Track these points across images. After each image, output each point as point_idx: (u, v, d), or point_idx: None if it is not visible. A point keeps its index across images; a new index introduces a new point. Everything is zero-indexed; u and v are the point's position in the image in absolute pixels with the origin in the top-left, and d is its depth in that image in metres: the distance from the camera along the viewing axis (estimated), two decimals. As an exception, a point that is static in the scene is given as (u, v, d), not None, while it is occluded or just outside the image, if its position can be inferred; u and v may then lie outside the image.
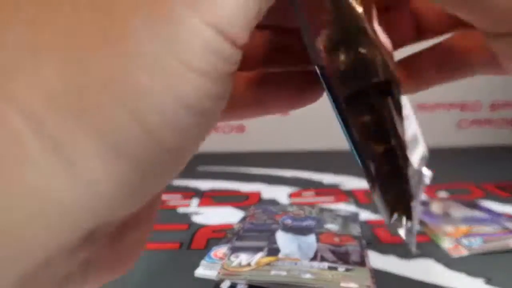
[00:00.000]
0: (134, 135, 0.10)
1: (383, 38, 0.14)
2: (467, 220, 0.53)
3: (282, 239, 0.47)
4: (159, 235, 0.54)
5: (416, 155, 0.15)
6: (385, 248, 0.49)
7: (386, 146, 0.14)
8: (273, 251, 0.44)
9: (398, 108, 0.14)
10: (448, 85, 0.19)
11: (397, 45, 0.18)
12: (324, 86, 0.14)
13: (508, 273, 0.43)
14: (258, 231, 0.50)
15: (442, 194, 0.68)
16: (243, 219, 0.55)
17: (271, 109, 0.18)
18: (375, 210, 0.61)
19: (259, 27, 0.12)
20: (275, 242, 0.46)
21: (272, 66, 0.18)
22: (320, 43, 0.14)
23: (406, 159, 0.14)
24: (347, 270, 0.40)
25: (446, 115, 1.04)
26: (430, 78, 0.19)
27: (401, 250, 0.48)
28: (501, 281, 0.41)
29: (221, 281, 0.40)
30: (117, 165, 0.10)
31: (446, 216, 0.55)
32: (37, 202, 0.09)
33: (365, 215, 0.59)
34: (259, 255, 0.43)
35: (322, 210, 0.57)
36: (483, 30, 0.14)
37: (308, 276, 0.39)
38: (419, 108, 1.02)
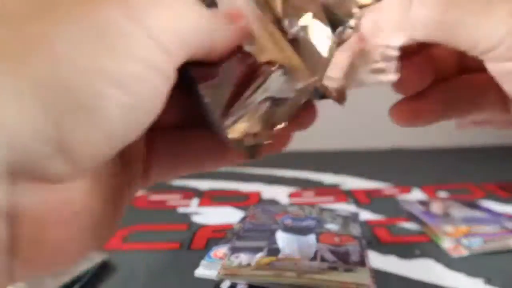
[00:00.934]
0: (50, 83, 0.11)
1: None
2: (467, 220, 0.53)
3: (282, 239, 0.47)
4: (159, 235, 0.54)
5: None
6: (385, 248, 0.49)
7: None
8: (273, 251, 0.44)
9: None
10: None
11: (419, 86, 0.19)
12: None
13: (508, 273, 0.43)
14: (258, 231, 0.50)
15: (442, 194, 0.68)
16: (243, 219, 0.55)
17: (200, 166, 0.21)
18: (375, 210, 0.61)
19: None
20: (275, 242, 0.46)
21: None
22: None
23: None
24: (347, 270, 0.40)
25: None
26: (434, 113, 0.20)
27: (401, 250, 0.48)
28: (501, 281, 0.41)
29: (221, 281, 0.40)
30: (32, 108, 0.11)
31: (446, 216, 0.55)
32: None
33: (365, 215, 0.59)
34: (259, 255, 0.43)
35: (322, 210, 0.57)
36: (479, 57, 0.14)
37: (308, 276, 0.39)
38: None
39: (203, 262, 0.44)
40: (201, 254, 0.46)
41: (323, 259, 0.42)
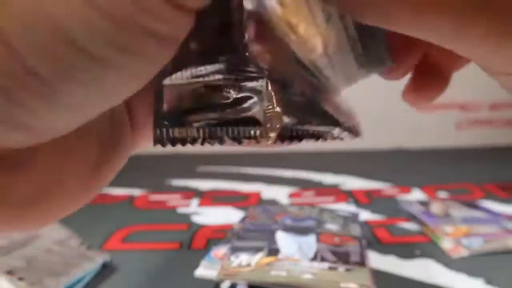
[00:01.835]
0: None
1: None
2: (467, 220, 0.53)
3: (282, 239, 0.47)
4: (159, 235, 0.54)
5: None
6: (385, 248, 0.49)
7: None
8: (273, 251, 0.44)
9: None
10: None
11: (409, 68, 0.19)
12: None
13: (508, 274, 0.43)
14: (258, 231, 0.50)
15: (442, 194, 0.68)
16: (243, 219, 0.55)
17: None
18: (375, 210, 0.61)
19: None
20: (275, 242, 0.46)
21: None
22: None
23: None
24: (347, 270, 0.40)
25: (446, 116, 1.04)
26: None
27: (401, 250, 0.48)
28: (501, 281, 0.41)
29: (221, 281, 0.40)
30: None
31: (446, 216, 0.55)
32: None
33: (365, 215, 0.59)
34: (259, 255, 0.43)
35: (322, 210, 0.57)
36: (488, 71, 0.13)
37: (308, 276, 0.39)
38: (419, 108, 1.02)
39: (203, 262, 0.44)
40: (201, 254, 0.46)
41: (323, 259, 0.42)
